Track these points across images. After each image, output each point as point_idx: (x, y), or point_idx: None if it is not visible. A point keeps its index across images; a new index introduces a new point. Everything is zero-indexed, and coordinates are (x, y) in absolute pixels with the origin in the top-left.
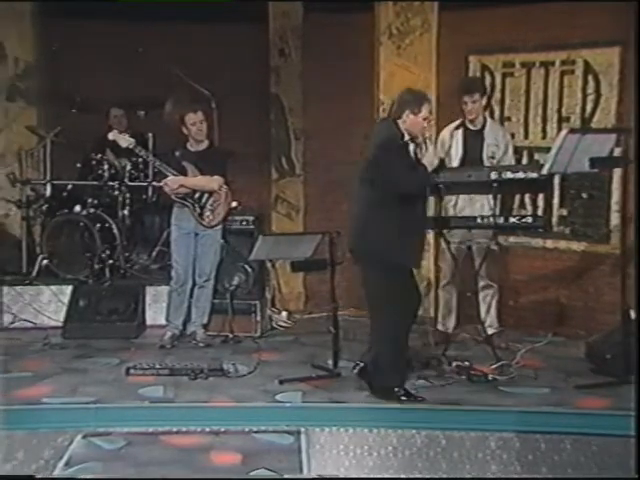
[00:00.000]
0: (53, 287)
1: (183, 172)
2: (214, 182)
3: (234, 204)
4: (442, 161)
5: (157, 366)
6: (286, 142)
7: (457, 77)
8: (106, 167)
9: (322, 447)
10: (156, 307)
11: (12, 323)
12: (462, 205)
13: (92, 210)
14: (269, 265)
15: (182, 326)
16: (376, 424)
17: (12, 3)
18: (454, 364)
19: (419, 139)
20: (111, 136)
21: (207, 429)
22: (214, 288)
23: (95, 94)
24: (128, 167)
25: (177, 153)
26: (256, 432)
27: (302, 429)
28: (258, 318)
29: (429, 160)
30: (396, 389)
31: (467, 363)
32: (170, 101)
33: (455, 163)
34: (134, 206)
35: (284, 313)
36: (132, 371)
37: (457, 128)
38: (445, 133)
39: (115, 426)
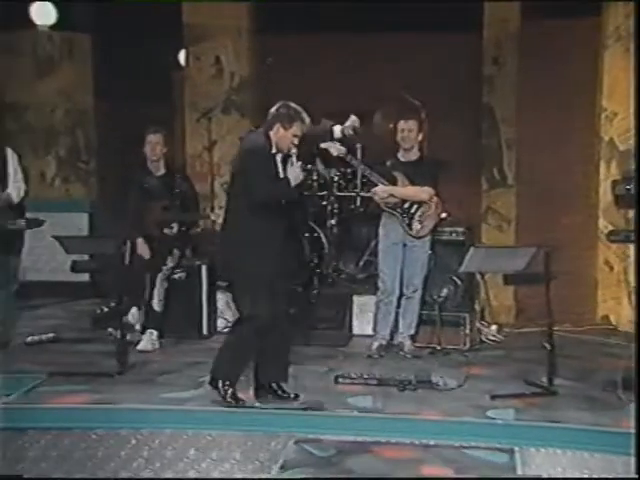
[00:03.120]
0: None
1: (393, 182)
2: (424, 192)
3: (443, 215)
4: None
5: (365, 376)
6: (498, 152)
7: None
8: (315, 177)
9: (538, 468)
10: (363, 317)
11: (224, 328)
12: None
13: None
14: (479, 277)
15: (389, 336)
16: (598, 447)
17: (229, 20)
18: None
19: (286, 152)
20: (323, 144)
21: (417, 442)
22: (422, 299)
23: (307, 106)
24: (336, 177)
25: (388, 163)
26: (467, 448)
27: (516, 448)
28: (467, 331)
29: (294, 174)
30: (220, 382)
31: None
32: (380, 111)
33: None
34: (342, 215)
35: (494, 326)
36: (341, 379)
37: None
38: None
39: (325, 433)
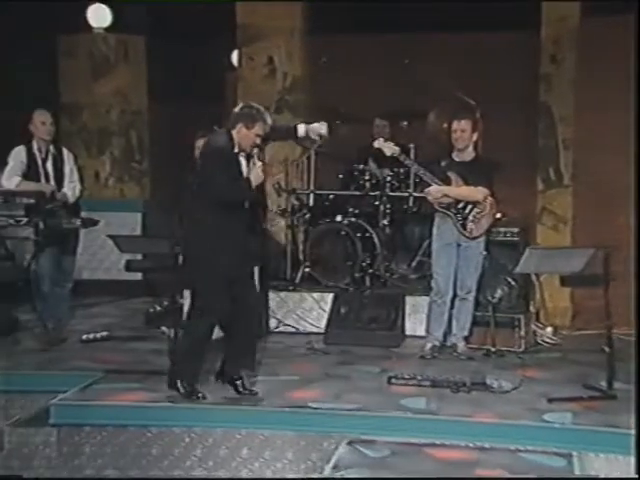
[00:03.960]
0: (315, 294)
1: (447, 182)
2: (479, 193)
3: (498, 215)
4: None
5: (419, 377)
6: (555, 152)
7: None
8: (368, 177)
9: (597, 473)
10: (415, 317)
11: (277, 327)
12: None
13: (353, 219)
14: (534, 278)
15: (442, 337)
16: None
17: (282, 21)
18: None
19: (248, 151)
20: (376, 144)
21: (471, 444)
22: (476, 300)
23: (359, 105)
24: (389, 177)
25: (443, 163)
26: (523, 451)
27: (574, 452)
28: (522, 333)
29: (256, 175)
30: (178, 381)
31: None
32: (434, 111)
33: None
34: (394, 216)
35: (549, 328)
36: (394, 380)
37: None
38: None
39: (378, 435)
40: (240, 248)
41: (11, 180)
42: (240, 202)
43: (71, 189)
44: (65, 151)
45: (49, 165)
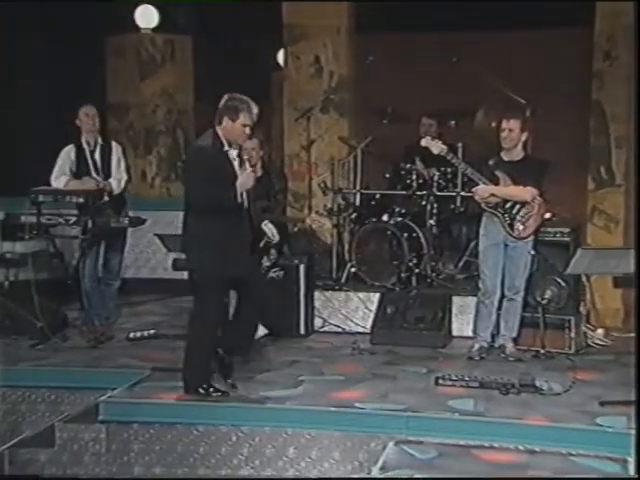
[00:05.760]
0: (361, 294)
1: (495, 181)
2: (527, 193)
3: (547, 215)
4: None
5: (466, 378)
6: (606, 151)
7: None
8: (414, 177)
9: None
10: (462, 318)
11: (322, 327)
12: None
13: (400, 219)
14: (584, 279)
15: (490, 338)
16: None
17: (328, 19)
18: None
19: (240, 144)
20: (424, 142)
21: (521, 447)
22: (524, 301)
23: (406, 105)
24: (436, 177)
25: (491, 162)
26: (575, 455)
27: (629, 458)
28: (572, 334)
29: (243, 180)
30: (200, 389)
31: None
32: (482, 110)
33: None
34: (441, 215)
35: (600, 330)
36: (441, 381)
37: None
38: None
39: (426, 436)
40: (233, 248)
41: (59, 179)
42: (218, 208)
43: (116, 180)
44: (113, 143)
45: (97, 156)
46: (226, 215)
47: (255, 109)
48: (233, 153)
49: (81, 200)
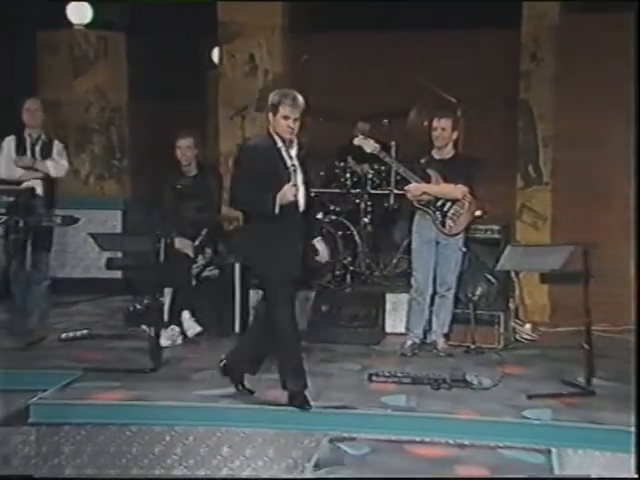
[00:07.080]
0: None
1: (427, 180)
2: (458, 190)
3: (478, 213)
4: None
5: (399, 374)
6: (534, 150)
7: None
8: (348, 175)
9: (576, 469)
10: (396, 315)
11: None
12: None
13: (334, 217)
14: (513, 276)
15: (422, 335)
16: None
17: (263, 18)
18: None
19: (287, 137)
20: (357, 141)
21: (451, 441)
22: (456, 297)
23: (340, 103)
24: (370, 175)
25: (422, 160)
26: (503, 448)
27: (553, 449)
28: (501, 330)
29: (284, 193)
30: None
31: None
32: (415, 109)
33: None
34: (375, 213)
35: (528, 325)
36: (374, 378)
37: None
38: None
39: (359, 432)
40: (291, 250)
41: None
42: (255, 211)
43: (53, 163)
44: (56, 140)
45: (37, 149)
46: (277, 217)
47: (297, 100)
48: (286, 151)
49: (11, 199)
